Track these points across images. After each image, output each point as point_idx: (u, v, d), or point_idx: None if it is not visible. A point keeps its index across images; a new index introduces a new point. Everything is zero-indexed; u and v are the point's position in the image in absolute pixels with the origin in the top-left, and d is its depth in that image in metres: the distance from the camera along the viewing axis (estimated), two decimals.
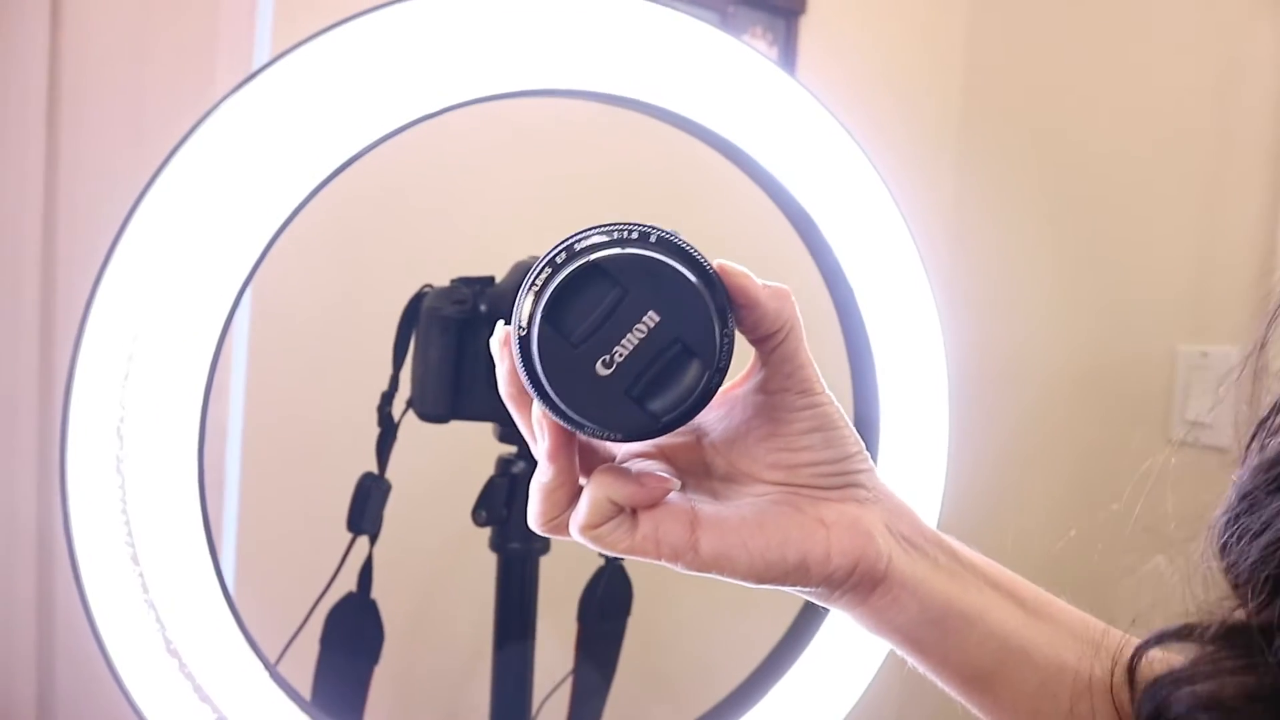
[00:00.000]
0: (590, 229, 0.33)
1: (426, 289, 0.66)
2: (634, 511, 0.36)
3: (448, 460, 0.81)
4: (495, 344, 0.35)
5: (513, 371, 0.35)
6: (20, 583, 0.91)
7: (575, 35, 0.60)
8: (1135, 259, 1.36)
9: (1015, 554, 0.46)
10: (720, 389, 0.34)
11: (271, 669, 0.57)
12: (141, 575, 0.54)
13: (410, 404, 0.67)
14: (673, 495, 0.36)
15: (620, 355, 0.32)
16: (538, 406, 0.34)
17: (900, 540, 0.38)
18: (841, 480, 0.37)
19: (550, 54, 0.60)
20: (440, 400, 0.64)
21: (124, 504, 0.54)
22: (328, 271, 1.00)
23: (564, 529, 0.36)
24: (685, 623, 1.19)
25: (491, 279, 0.66)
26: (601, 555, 0.77)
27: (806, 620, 0.68)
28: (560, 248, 0.33)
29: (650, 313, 0.32)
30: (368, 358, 0.72)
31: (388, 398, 0.68)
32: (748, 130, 0.66)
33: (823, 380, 0.37)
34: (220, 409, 0.96)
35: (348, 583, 0.72)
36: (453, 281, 0.65)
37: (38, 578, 0.92)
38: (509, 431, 0.68)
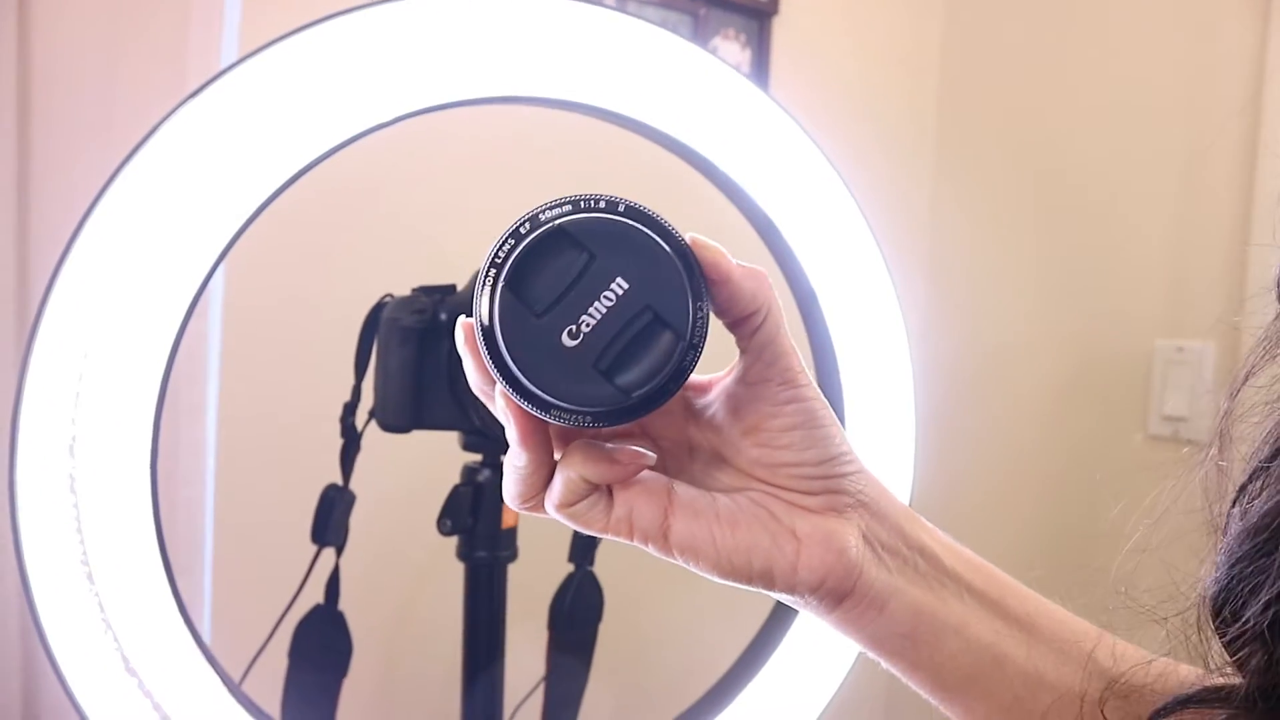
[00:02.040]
0: (555, 200, 0.31)
1: (387, 298, 0.66)
2: (610, 490, 0.35)
3: (415, 469, 0.81)
4: (459, 339, 0.34)
5: (475, 364, 0.33)
6: (8, 591, 0.90)
7: (540, 43, 0.60)
8: (1112, 256, 1.37)
9: (997, 549, 0.45)
10: (696, 371, 0.32)
11: (233, 685, 0.57)
12: (98, 595, 0.54)
13: (372, 414, 0.67)
14: (651, 475, 0.36)
15: (587, 325, 0.30)
16: (499, 394, 0.32)
17: (878, 549, 0.36)
18: (822, 485, 0.36)
19: (516, 62, 0.60)
20: (402, 410, 0.64)
21: (78, 522, 0.53)
22: (301, 281, 1.00)
23: (541, 508, 0.35)
24: (661, 627, 1.19)
25: (453, 287, 0.66)
26: (571, 561, 0.77)
27: (781, 616, 0.68)
28: (524, 219, 0.31)
29: (619, 279, 0.30)
30: (342, 367, 0.71)
31: (350, 408, 0.68)
32: (710, 137, 0.66)
33: (808, 373, 0.35)
34: (195, 423, 0.95)
35: (318, 596, 0.71)
36: (413, 290, 0.65)
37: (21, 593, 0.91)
38: (473, 440, 0.67)
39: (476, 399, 0.61)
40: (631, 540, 0.35)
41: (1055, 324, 1.42)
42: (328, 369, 0.71)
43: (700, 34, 1.27)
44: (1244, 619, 0.31)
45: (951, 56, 1.54)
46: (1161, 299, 1.32)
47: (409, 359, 0.63)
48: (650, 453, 0.35)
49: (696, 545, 0.35)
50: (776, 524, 0.35)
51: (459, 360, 0.64)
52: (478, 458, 0.69)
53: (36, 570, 0.52)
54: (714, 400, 0.37)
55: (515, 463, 0.34)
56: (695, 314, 0.31)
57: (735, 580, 0.36)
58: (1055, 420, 1.42)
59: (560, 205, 0.31)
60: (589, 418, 0.32)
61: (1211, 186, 1.27)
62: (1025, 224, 1.45)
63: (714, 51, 1.29)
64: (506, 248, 0.31)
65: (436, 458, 0.73)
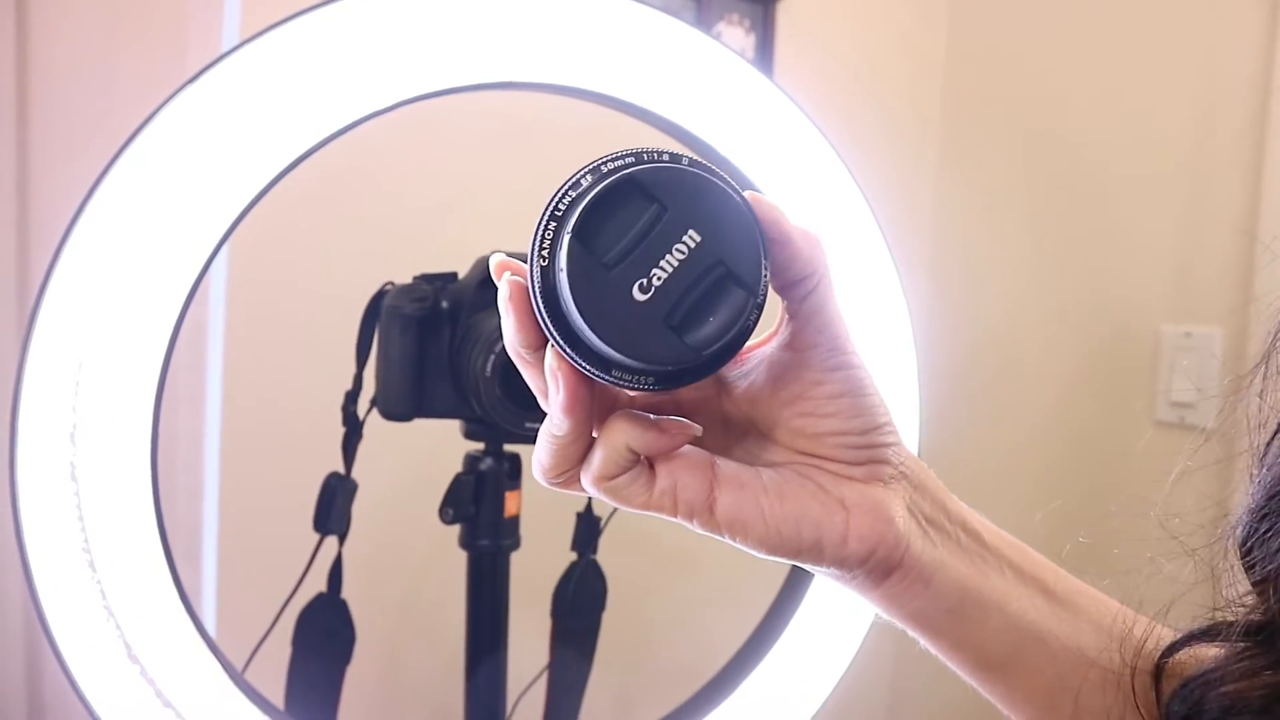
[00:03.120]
0: (615, 153, 0.30)
1: (388, 286, 0.65)
2: (650, 464, 0.33)
3: (417, 458, 0.81)
4: (501, 297, 0.32)
5: (522, 322, 0.31)
6: (10, 580, 0.90)
7: (541, 28, 0.60)
8: (1118, 241, 1.36)
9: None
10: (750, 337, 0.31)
11: (235, 674, 0.57)
12: (100, 583, 0.54)
13: (374, 403, 0.66)
14: (691, 449, 0.34)
15: (659, 278, 0.29)
16: (552, 352, 0.31)
17: (922, 522, 0.35)
18: (866, 455, 0.34)
19: (517, 47, 0.59)
20: (403, 399, 0.63)
21: (79, 510, 0.53)
22: (303, 268, 0.99)
23: (574, 483, 0.34)
24: (665, 616, 1.19)
25: (454, 275, 0.65)
26: (574, 550, 0.76)
27: (784, 604, 0.67)
28: (584, 170, 0.30)
29: (691, 231, 0.29)
30: (345, 355, 0.71)
31: (352, 397, 0.67)
32: (712, 123, 0.65)
33: (854, 340, 0.34)
34: (196, 411, 0.95)
35: (321, 584, 0.71)
36: (414, 278, 0.64)
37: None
38: (475, 428, 0.67)
39: (478, 386, 0.61)
40: (675, 516, 0.34)
41: (1061, 310, 1.41)
42: (331, 357, 0.71)
43: (704, 19, 1.26)
44: (1265, 559, 0.31)
45: (956, 42, 1.53)
46: (1168, 284, 1.31)
47: (410, 347, 0.62)
48: (695, 424, 0.34)
49: (745, 518, 0.33)
50: (824, 494, 0.34)
51: (460, 348, 0.64)
52: (480, 446, 0.68)
53: (38, 559, 0.52)
54: (751, 370, 0.36)
55: (555, 432, 0.32)
56: (764, 271, 0.30)
57: (783, 554, 0.34)
58: (1062, 408, 1.41)
59: (623, 157, 0.30)
60: (652, 378, 0.30)
61: (1217, 170, 1.26)
62: (1030, 210, 1.44)
63: (718, 37, 1.28)
64: (569, 199, 0.29)
65: (439, 446, 0.72)
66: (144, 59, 0.93)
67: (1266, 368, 0.35)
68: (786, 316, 0.34)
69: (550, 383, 0.31)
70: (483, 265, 0.65)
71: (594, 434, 0.34)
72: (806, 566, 0.35)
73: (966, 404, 1.43)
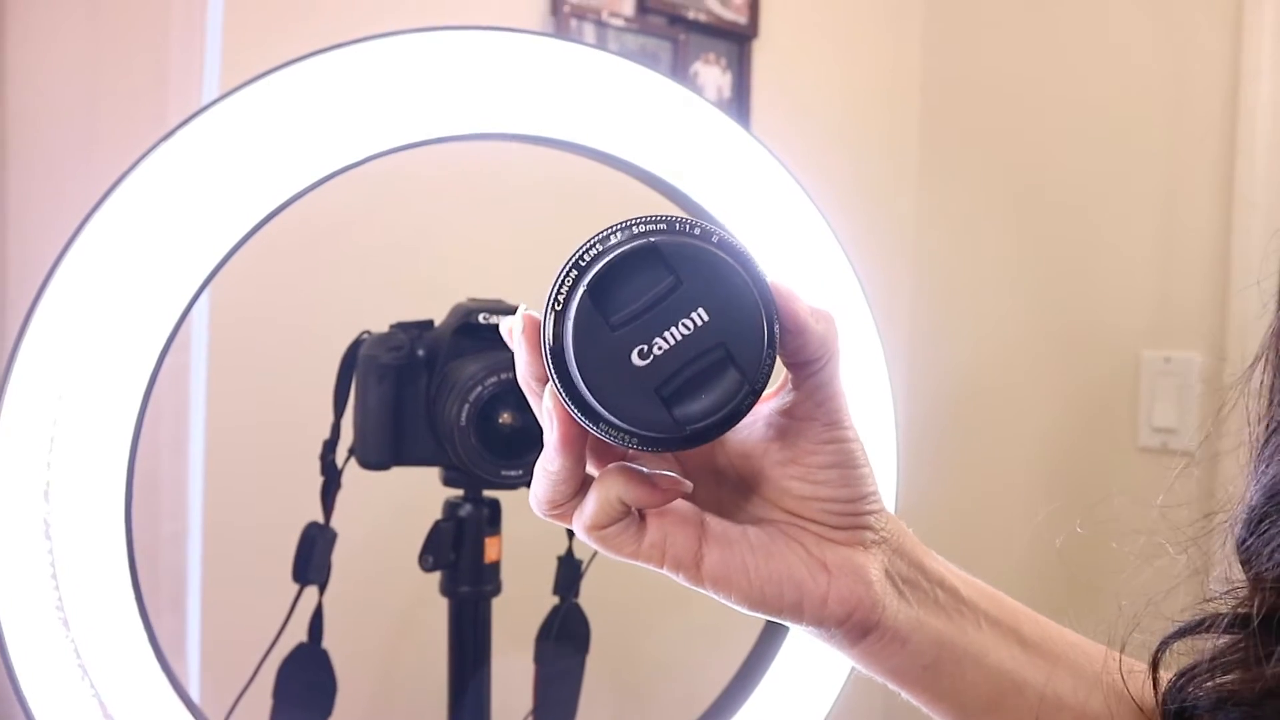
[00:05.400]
0: (648, 216, 0.31)
1: (364, 335, 0.66)
2: (642, 515, 0.34)
3: (397, 506, 0.81)
4: (516, 330, 0.32)
5: (531, 357, 0.32)
6: None
7: (518, 81, 0.60)
8: (1097, 269, 1.37)
9: (989, 566, 0.45)
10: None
11: None
12: (74, 641, 0.53)
13: (352, 451, 0.66)
14: (682, 504, 0.35)
15: (660, 348, 0.30)
16: (549, 394, 0.32)
17: (899, 583, 0.37)
18: (851, 521, 0.36)
19: (494, 99, 0.60)
20: (381, 448, 0.63)
21: (53, 568, 0.53)
22: (285, 316, 1.00)
23: (566, 518, 0.35)
24: (649, 656, 1.18)
25: (430, 323, 0.66)
26: (556, 594, 0.76)
27: (769, 640, 0.67)
28: (615, 228, 0.31)
29: (700, 309, 0.30)
30: (327, 403, 0.71)
31: (330, 446, 0.67)
32: (687, 172, 0.66)
33: (850, 413, 0.35)
34: (179, 460, 0.95)
35: (302, 634, 0.71)
36: (391, 327, 0.65)
37: None
38: (454, 475, 0.67)
39: (454, 435, 0.61)
40: (661, 568, 0.35)
41: (1042, 338, 1.42)
42: (314, 404, 0.71)
43: (681, 59, 1.27)
44: (1261, 562, 0.32)
45: (932, 74, 1.55)
46: (1147, 310, 1.32)
47: (387, 396, 0.63)
48: (687, 481, 0.35)
49: (730, 576, 0.35)
50: (808, 555, 0.35)
51: (437, 396, 0.64)
52: (459, 492, 0.68)
53: (9, 617, 0.51)
54: (748, 428, 0.37)
55: (548, 467, 0.33)
56: (765, 360, 0.31)
57: (763, 612, 0.35)
58: (1045, 435, 1.42)
59: (654, 222, 0.31)
60: (636, 440, 0.31)
61: (1191, 196, 1.28)
62: (1009, 240, 1.45)
63: (695, 76, 1.30)
64: (593, 253, 0.30)
65: (418, 493, 0.72)
66: (124, 105, 0.94)
67: (1265, 364, 0.36)
68: (789, 385, 0.35)
69: (545, 421, 0.33)
70: (459, 313, 0.65)
71: (591, 471, 0.35)
72: (786, 623, 0.36)
73: (950, 434, 1.43)
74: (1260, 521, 0.34)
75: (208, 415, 0.97)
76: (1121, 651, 0.38)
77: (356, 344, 0.66)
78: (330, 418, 0.68)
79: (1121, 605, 0.38)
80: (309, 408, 0.72)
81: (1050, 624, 0.40)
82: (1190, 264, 1.27)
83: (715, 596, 0.35)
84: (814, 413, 0.34)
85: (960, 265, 1.51)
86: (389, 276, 1.03)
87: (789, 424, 0.35)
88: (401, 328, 0.64)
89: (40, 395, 0.52)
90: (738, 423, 0.31)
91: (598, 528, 0.34)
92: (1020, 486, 1.44)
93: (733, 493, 0.37)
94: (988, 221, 1.48)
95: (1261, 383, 0.36)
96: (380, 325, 0.67)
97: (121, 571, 0.53)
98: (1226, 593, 0.34)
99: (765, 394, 0.35)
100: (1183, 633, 0.36)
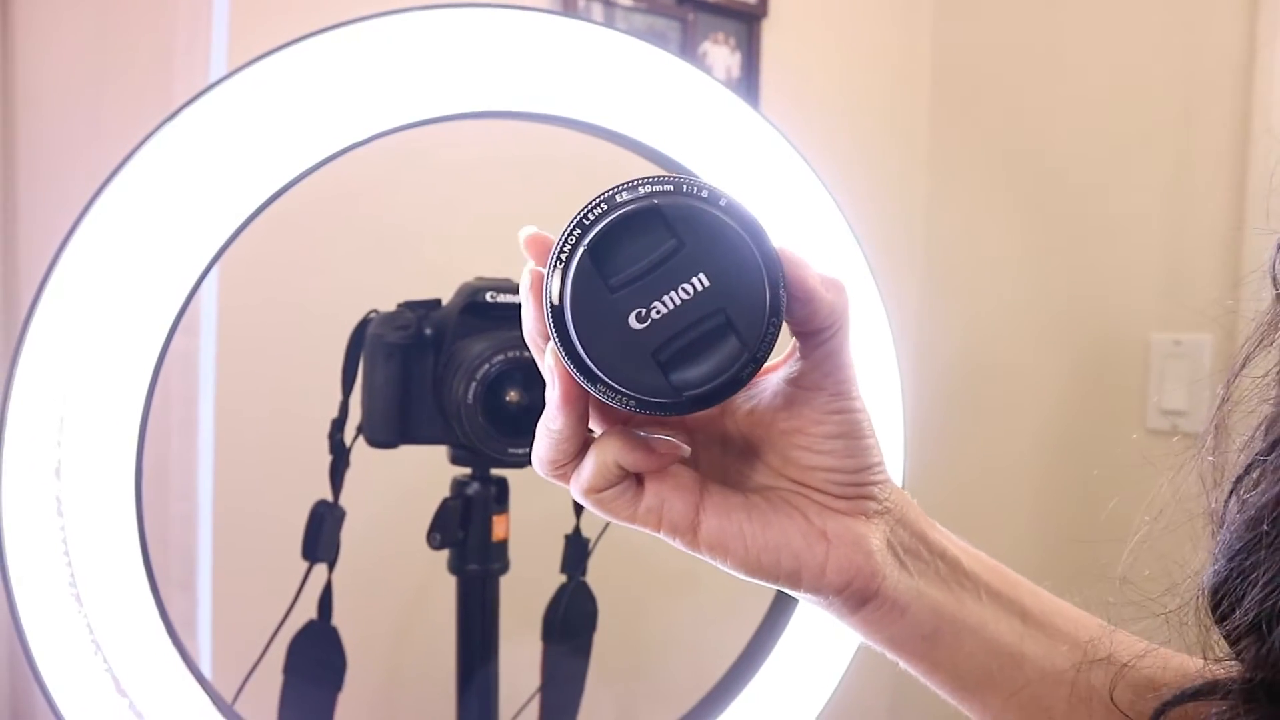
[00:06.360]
0: (657, 177, 0.30)
1: (372, 314, 0.66)
2: (640, 479, 0.34)
3: (405, 484, 0.81)
4: (524, 283, 0.32)
5: (535, 314, 0.32)
6: None
7: (527, 58, 0.60)
8: (1106, 250, 1.36)
9: (995, 546, 0.45)
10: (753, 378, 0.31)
11: (224, 705, 0.57)
12: (87, 617, 0.54)
13: (360, 430, 0.67)
14: (681, 469, 0.35)
15: (658, 312, 0.29)
16: (550, 352, 0.31)
17: (900, 553, 0.37)
18: (855, 491, 0.36)
19: (502, 76, 0.60)
20: (389, 426, 0.64)
21: (65, 544, 0.53)
22: (295, 295, 1.00)
23: (567, 479, 0.34)
24: (657, 634, 1.19)
25: (438, 301, 0.66)
26: (563, 572, 0.77)
27: (776, 618, 0.67)
28: (621, 186, 0.30)
29: (701, 274, 0.29)
30: (336, 381, 0.71)
31: (338, 425, 0.68)
32: (693, 148, 0.65)
33: (858, 384, 0.35)
34: (189, 440, 0.95)
35: (312, 612, 0.71)
36: (398, 305, 0.65)
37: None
38: (461, 454, 0.67)
39: (461, 413, 0.61)
40: (658, 532, 0.35)
41: (1051, 320, 1.41)
42: (322, 384, 0.71)
43: (690, 38, 1.27)
44: (1241, 611, 0.31)
45: (942, 54, 1.54)
46: (1157, 292, 1.32)
47: (394, 375, 0.63)
48: (686, 445, 0.34)
49: (726, 542, 0.34)
50: (808, 524, 0.35)
51: (444, 375, 0.64)
52: (466, 471, 0.69)
53: (24, 594, 0.52)
54: (757, 395, 0.36)
55: (550, 426, 0.33)
56: (767, 329, 0.30)
57: (760, 578, 0.35)
58: (1054, 417, 1.42)
59: (661, 183, 0.30)
60: (634, 403, 0.31)
61: (1203, 178, 1.26)
62: (1019, 221, 1.45)
63: (703, 56, 1.29)
64: (597, 212, 0.29)
65: (426, 471, 0.73)
66: (130, 88, 0.94)
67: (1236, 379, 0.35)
68: (797, 354, 0.35)
69: (548, 378, 0.32)
70: (466, 292, 0.65)
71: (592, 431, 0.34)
72: (784, 590, 0.36)
73: (959, 415, 1.43)
74: (1227, 582, 0.32)
75: (216, 395, 0.97)
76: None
77: (364, 323, 0.66)
78: (338, 397, 0.68)
79: (1121, 588, 0.38)
80: (317, 387, 0.72)
81: (1052, 598, 0.40)
82: (1201, 245, 1.26)
83: (712, 562, 0.35)
84: (821, 382, 0.34)
85: (969, 245, 1.50)
86: (396, 256, 1.03)
87: (796, 393, 0.35)
88: (409, 306, 0.64)
89: (50, 374, 0.52)
90: (737, 391, 0.31)
91: (595, 490, 0.34)
92: (1027, 467, 1.43)
93: (738, 459, 0.37)
94: (997, 201, 1.47)
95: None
96: (388, 304, 0.68)
97: (133, 549, 0.54)
98: (1224, 657, 0.33)
99: (773, 362, 0.35)
100: (1183, 698, 0.35)
